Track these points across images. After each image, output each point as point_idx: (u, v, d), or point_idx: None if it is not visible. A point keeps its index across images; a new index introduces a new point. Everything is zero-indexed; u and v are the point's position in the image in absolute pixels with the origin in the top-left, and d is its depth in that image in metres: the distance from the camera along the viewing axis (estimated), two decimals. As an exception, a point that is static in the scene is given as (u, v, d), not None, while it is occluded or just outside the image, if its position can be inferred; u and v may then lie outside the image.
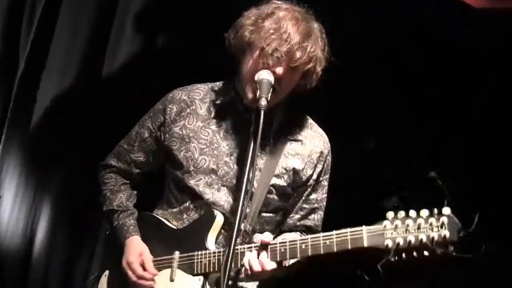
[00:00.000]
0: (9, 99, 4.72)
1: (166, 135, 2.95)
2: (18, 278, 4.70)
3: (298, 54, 2.70)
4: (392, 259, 2.40)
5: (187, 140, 2.92)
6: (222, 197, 2.90)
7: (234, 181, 2.88)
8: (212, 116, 2.95)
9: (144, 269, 2.82)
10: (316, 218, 3.10)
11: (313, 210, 3.09)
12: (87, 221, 4.66)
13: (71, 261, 4.73)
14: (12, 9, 4.79)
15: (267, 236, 2.71)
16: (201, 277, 2.75)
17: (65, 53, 4.88)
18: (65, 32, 4.88)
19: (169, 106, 2.97)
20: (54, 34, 4.85)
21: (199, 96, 3.00)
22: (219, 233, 2.84)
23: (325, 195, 3.14)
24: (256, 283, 2.96)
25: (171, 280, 2.80)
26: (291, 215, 3.07)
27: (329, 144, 3.11)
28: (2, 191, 4.71)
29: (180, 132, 2.93)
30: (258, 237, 2.79)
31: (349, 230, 2.50)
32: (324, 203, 3.13)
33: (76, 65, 4.88)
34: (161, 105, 3.01)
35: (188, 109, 2.95)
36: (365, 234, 2.46)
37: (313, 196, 3.09)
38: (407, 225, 2.35)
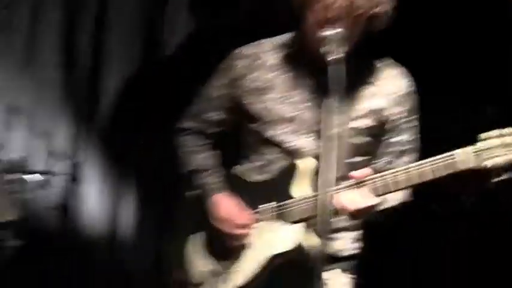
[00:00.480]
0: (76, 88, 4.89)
1: (239, 90, 2.92)
2: (105, 263, 4.87)
3: (359, 2, 2.60)
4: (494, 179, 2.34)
5: (261, 91, 2.88)
6: (304, 144, 2.84)
7: (315, 128, 2.81)
8: (282, 66, 2.90)
9: (238, 223, 2.77)
10: (407, 160, 2.94)
11: (402, 153, 2.95)
12: (171, 202, 4.69)
13: (157, 243, 4.77)
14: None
15: (364, 171, 2.65)
16: (301, 224, 2.70)
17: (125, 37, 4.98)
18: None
19: (236, 62, 2.94)
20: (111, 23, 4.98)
21: (267, 49, 2.96)
22: (309, 179, 2.76)
23: (415, 136, 3.00)
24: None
25: (270, 231, 2.75)
26: (378, 159, 2.96)
27: (411, 82, 2.98)
28: (85, 179, 4.86)
29: (252, 85, 2.89)
30: (354, 174, 2.70)
31: (445, 154, 2.47)
32: (416, 145, 2.99)
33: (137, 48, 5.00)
34: (229, 61, 2.99)
35: (257, 62, 2.91)
36: (464, 156, 2.44)
37: (399, 138, 2.95)
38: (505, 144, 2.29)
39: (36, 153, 4.74)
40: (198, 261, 2.89)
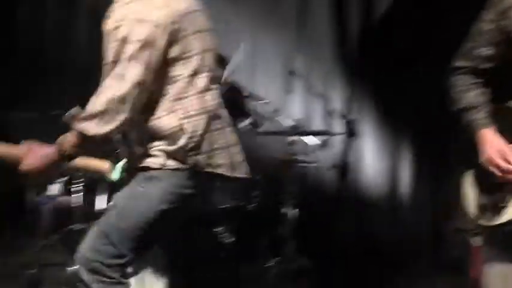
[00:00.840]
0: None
1: (508, 22, 2.74)
2: (386, 217, 4.98)
3: None
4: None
5: None
6: None
7: None
8: None
9: (507, 158, 2.64)
10: None
11: None
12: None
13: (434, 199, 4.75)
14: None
15: None
16: None
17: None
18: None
19: None
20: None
21: None
22: None
23: None
24: None
25: None
26: None
27: None
28: (363, 138, 5.03)
29: None
30: None
31: None
32: None
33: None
34: None
35: None
36: None
37: None
38: None
39: (313, 114, 5.00)
40: (472, 196, 2.88)
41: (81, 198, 4.20)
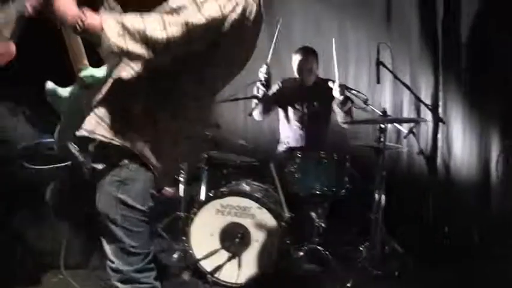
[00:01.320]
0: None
1: None
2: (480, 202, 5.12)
3: None
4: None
5: None
6: None
7: None
8: None
9: None
10: None
11: None
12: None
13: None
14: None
15: None
16: None
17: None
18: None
19: None
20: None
21: None
22: None
23: None
24: None
25: None
26: None
27: None
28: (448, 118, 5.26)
29: None
30: None
31: None
32: None
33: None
34: None
35: None
36: None
37: None
38: None
39: (402, 103, 5.18)
40: None
41: (183, 189, 4.65)
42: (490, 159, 5.21)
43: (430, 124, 5.04)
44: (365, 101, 4.51)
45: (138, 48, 2.23)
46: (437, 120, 4.78)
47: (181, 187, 4.59)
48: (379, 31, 5.36)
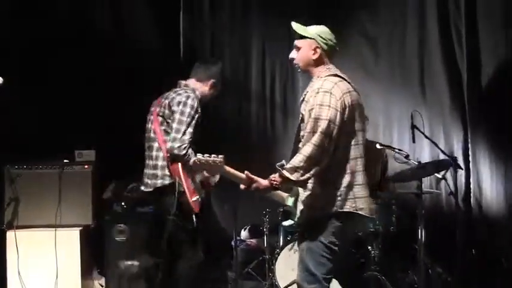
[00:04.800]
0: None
1: None
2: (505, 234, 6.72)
3: None
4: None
5: None
6: None
7: None
8: None
9: None
10: None
11: None
12: None
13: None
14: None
15: None
16: None
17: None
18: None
19: None
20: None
21: None
22: None
23: None
24: None
25: None
26: None
27: None
28: (480, 168, 7.00)
29: None
30: None
31: None
32: None
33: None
34: None
35: None
36: None
37: None
38: None
39: (435, 156, 6.99)
40: None
41: (265, 240, 6.50)
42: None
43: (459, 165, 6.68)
44: (406, 157, 6.25)
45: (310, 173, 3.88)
46: (457, 167, 6.43)
47: (265, 238, 6.45)
48: (415, 98, 7.23)
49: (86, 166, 5.86)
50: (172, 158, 4.80)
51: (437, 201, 7.08)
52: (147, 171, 5.08)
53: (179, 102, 4.88)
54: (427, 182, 6.89)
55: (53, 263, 5.65)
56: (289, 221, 4.33)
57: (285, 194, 4.33)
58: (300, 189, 4.09)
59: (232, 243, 6.56)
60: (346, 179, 3.97)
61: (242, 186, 4.08)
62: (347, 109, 3.95)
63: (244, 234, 7.10)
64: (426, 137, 6.49)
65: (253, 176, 4.04)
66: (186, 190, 4.79)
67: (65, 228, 5.75)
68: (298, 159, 3.85)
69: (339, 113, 3.90)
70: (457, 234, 6.42)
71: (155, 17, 7.55)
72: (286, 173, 3.86)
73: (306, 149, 3.85)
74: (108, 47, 7.11)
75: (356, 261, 5.92)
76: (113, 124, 6.83)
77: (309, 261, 4.02)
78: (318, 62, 4.13)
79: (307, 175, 3.85)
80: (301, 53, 4.14)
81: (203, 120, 5.03)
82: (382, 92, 7.33)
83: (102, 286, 6.14)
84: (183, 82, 5.18)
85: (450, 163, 6.28)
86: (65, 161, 5.90)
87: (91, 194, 5.87)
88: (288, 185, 4.01)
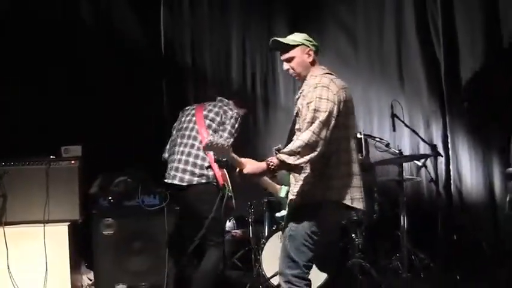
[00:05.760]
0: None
1: None
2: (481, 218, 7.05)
3: None
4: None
5: None
6: None
7: None
8: None
9: None
10: None
11: None
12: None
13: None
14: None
15: None
16: None
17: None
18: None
19: None
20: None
21: None
22: None
23: None
24: None
25: None
26: None
27: None
28: (459, 155, 7.29)
29: None
30: None
31: None
32: None
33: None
34: None
35: None
36: None
37: None
38: None
39: (415, 144, 7.25)
40: None
41: (250, 230, 6.70)
42: (493, 183, 7.08)
43: (440, 157, 6.98)
44: (386, 145, 6.49)
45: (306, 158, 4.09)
46: (437, 154, 6.74)
47: (250, 228, 6.65)
48: (394, 88, 7.49)
49: (73, 161, 5.99)
50: None
51: (418, 189, 7.34)
52: (176, 164, 5.57)
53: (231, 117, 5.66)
54: (407, 170, 7.16)
55: (42, 258, 5.76)
56: (283, 211, 4.51)
57: (278, 186, 4.57)
58: (292, 179, 4.35)
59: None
60: (340, 170, 4.24)
61: (237, 171, 4.39)
62: (342, 104, 4.22)
63: (229, 225, 7.28)
64: (406, 125, 6.78)
65: (251, 160, 4.38)
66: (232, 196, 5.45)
67: (53, 224, 5.86)
68: (296, 145, 4.09)
69: (336, 107, 4.16)
70: (439, 220, 6.72)
71: (136, 15, 7.72)
72: (283, 156, 4.10)
73: (304, 136, 4.10)
74: (92, 45, 7.31)
75: (338, 249, 6.13)
76: (98, 120, 7.01)
77: (290, 249, 4.25)
78: (313, 63, 4.42)
79: (303, 160, 4.08)
80: (297, 61, 4.42)
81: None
82: (361, 84, 7.56)
83: (90, 280, 6.29)
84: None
85: (429, 155, 6.69)
86: (52, 157, 6.03)
87: (78, 189, 6.00)
88: (283, 169, 4.23)
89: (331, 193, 4.23)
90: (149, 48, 7.74)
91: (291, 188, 4.35)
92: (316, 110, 4.12)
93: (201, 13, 8.02)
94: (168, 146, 5.82)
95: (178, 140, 5.65)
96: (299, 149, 4.07)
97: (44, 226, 5.82)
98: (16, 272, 5.80)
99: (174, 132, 5.81)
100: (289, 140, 4.32)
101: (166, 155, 5.79)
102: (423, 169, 6.90)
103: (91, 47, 7.28)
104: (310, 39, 4.47)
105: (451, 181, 7.27)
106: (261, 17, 8.00)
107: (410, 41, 7.55)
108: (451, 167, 7.29)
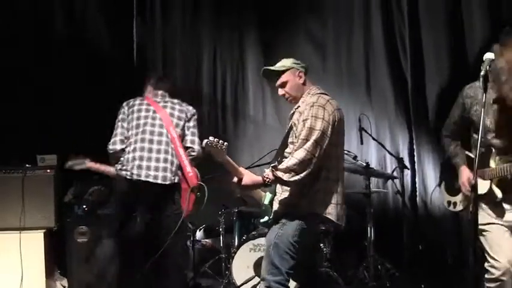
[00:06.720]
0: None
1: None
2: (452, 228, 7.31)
3: None
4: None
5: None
6: None
7: None
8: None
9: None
10: None
11: None
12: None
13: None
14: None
15: None
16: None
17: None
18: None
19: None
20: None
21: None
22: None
23: None
24: None
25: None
26: None
27: None
28: (425, 168, 7.64)
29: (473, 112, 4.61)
30: None
31: None
32: None
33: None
34: (461, 99, 4.71)
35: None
36: None
37: None
38: None
39: (381, 157, 7.59)
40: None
41: (221, 239, 6.95)
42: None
43: (406, 170, 7.28)
44: (354, 158, 6.81)
45: (300, 176, 4.34)
46: (403, 167, 7.02)
47: (221, 237, 6.92)
48: (362, 101, 7.80)
49: (49, 170, 6.19)
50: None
51: (385, 200, 7.69)
52: (154, 164, 5.61)
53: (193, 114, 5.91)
54: (374, 182, 7.45)
55: (17, 265, 5.97)
56: (265, 217, 4.76)
57: (262, 193, 4.81)
58: (278, 188, 4.59)
59: (188, 243, 7.02)
60: (327, 185, 4.51)
61: (235, 179, 4.61)
62: (336, 124, 4.52)
63: (199, 234, 7.51)
64: (374, 138, 7.14)
65: (248, 172, 4.63)
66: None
67: (29, 231, 6.07)
68: (292, 162, 4.35)
69: (330, 126, 4.45)
70: (404, 231, 7.07)
71: (108, 24, 7.98)
72: (279, 173, 4.37)
73: (300, 154, 4.37)
74: (65, 54, 7.54)
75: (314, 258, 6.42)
76: (73, 129, 7.24)
77: (274, 256, 4.47)
78: (304, 84, 4.72)
79: (298, 177, 4.35)
80: (290, 84, 4.72)
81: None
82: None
83: (64, 287, 6.47)
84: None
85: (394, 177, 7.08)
86: (27, 165, 6.21)
87: (53, 197, 6.21)
88: (278, 183, 4.51)
89: (316, 206, 4.49)
90: (122, 58, 7.95)
91: (277, 196, 4.60)
92: (311, 129, 4.40)
93: (172, 24, 8.26)
94: (118, 138, 5.73)
95: (146, 136, 5.67)
96: (294, 167, 4.34)
97: (20, 233, 6.01)
98: (-9, 278, 5.94)
99: (124, 124, 5.75)
100: (281, 150, 4.64)
101: (118, 146, 5.69)
102: (389, 181, 7.26)
103: (64, 57, 7.50)
104: (298, 61, 4.78)
105: (417, 193, 7.62)
106: (232, 28, 8.27)
107: (378, 56, 7.90)
108: (416, 179, 7.64)
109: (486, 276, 4.38)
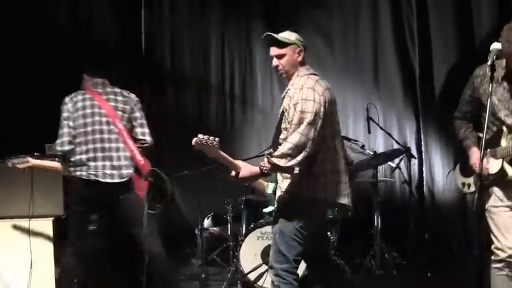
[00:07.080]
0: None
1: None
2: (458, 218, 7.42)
3: None
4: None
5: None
6: None
7: None
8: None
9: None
10: None
11: None
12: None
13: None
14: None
15: None
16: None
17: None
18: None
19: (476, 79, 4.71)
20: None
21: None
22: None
23: None
24: None
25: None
26: None
27: None
28: (432, 157, 7.69)
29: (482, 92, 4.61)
30: None
31: None
32: None
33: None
34: (472, 79, 4.73)
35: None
36: None
37: None
38: None
39: (393, 146, 7.61)
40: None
41: (228, 227, 7.02)
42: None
43: (413, 159, 7.31)
44: (362, 147, 6.86)
45: (297, 159, 4.29)
46: (411, 157, 7.04)
47: (229, 226, 6.99)
48: (370, 91, 7.86)
49: (57, 159, 6.25)
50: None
51: (392, 190, 7.78)
52: (102, 163, 5.50)
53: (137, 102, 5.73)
54: (381, 171, 7.52)
55: (27, 253, 5.99)
56: (270, 207, 4.80)
57: (265, 183, 4.84)
58: (279, 176, 4.56)
59: (196, 231, 7.14)
60: (326, 167, 4.46)
61: (233, 173, 4.56)
62: (327, 104, 4.42)
63: (207, 222, 7.59)
64: (381, 128, 7.18)
65: (245, 163, 4.56)
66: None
67: (38, 219, 6.12)
68: (286, 147, 4.30)
69: (322, 107, 4.36)
70: (411, 220, 7.13)
71: (116, 15, 8.06)
72: (275, 160, 4.31)
73: (293, 138, 4.31)
74: (71, 45, 7.60)
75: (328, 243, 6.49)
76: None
77: (280, 243, 4.47)
78: (301, 63, 4.60)
79: (294, 161, 4.29)
80: (287, 59, 4.57)
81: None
82: (337, 86, 7.75)
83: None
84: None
85: (402, 151, 6.98)
86: (36, 154, 6.27)
87: (62, 185, 6.27)
88: (276, 171, 4.48)
89: (318, 190, 4.45)
90: (130, 49, 8.05)
91: (279, 184, 4.57)
92: (302, 112, 4.34)
93: (180, 14, 8.34)
94: (65, 139, 5.56)
95: (96, 136, 5.56)
96: (289, 151, 4.29)
97: (29, 221, 6.08)
98: (1, 267, 6.04)
99: (71, 123, 5.58)
100: (276, 137, 4.60)
101: (66, 148, 5.56)
102: (397, 171, 7.28)
103: (72, 47, 7.57)
104: (302, 39, 4.64)
105: (424, 182, 7.72)
106: (239, 19, 8.33)
107: (386, 45, 7.98)
108: (423, 168, 7.73)
109: (492, 257, 4.39)
